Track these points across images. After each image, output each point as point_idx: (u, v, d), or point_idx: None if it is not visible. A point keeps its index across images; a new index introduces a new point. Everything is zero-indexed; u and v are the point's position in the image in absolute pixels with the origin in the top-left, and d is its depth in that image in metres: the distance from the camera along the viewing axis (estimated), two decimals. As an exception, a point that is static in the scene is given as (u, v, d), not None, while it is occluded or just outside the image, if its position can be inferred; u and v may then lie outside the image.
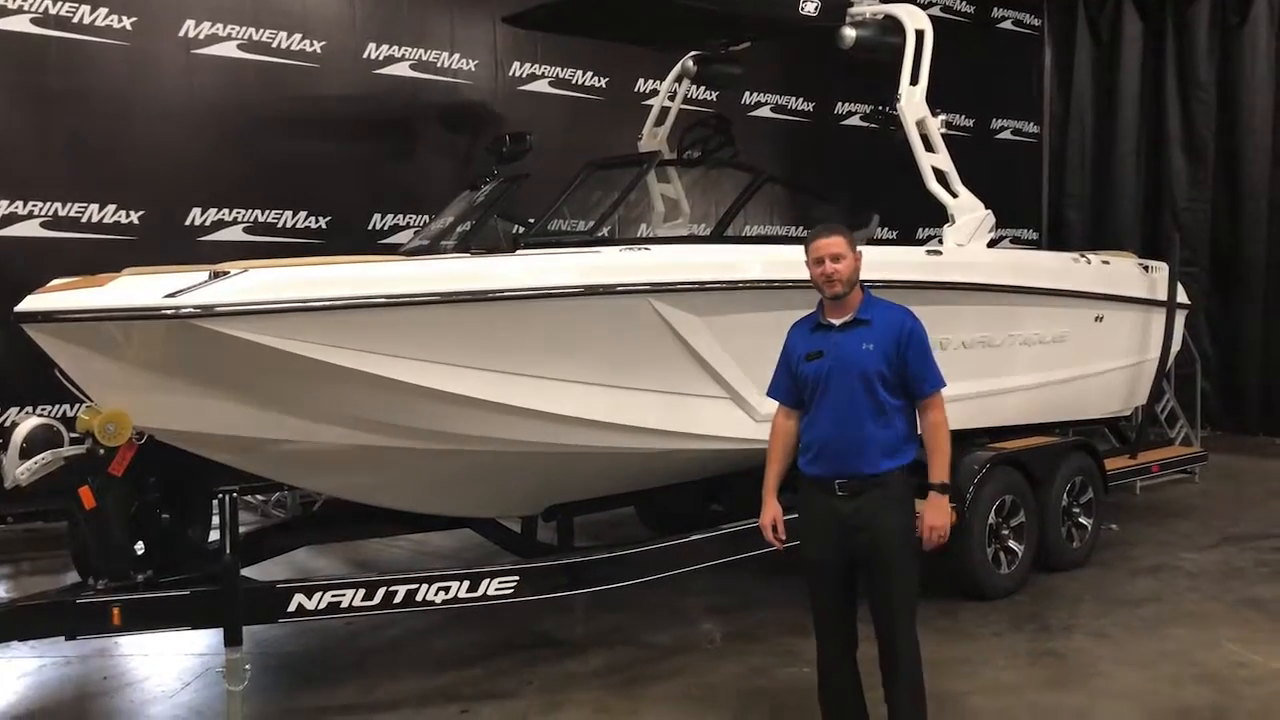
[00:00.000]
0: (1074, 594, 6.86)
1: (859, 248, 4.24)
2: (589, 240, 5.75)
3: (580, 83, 9.53)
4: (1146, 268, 8.66)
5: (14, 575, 7.79)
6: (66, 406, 6.56)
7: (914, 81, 6.94)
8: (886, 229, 11.04)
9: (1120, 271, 8.25)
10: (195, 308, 4.35)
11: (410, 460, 5.32)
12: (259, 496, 8.43)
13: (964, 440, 7.26)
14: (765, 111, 10.90)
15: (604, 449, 5.60)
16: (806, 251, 4.25)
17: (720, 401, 5.82)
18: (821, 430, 4.15)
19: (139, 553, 5.29)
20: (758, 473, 6.72)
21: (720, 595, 6.76)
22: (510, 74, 9.12)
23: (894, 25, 7.12)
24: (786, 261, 5.92)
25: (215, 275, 4.48)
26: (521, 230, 6.30)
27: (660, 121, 8.32)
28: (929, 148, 7.00)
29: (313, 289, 4.56)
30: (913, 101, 6.92)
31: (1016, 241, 13.27)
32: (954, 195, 7.06)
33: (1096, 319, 7.94)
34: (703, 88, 9.92)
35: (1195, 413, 11.13)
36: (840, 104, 11.52)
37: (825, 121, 11.29)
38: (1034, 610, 6.52)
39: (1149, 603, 6.67)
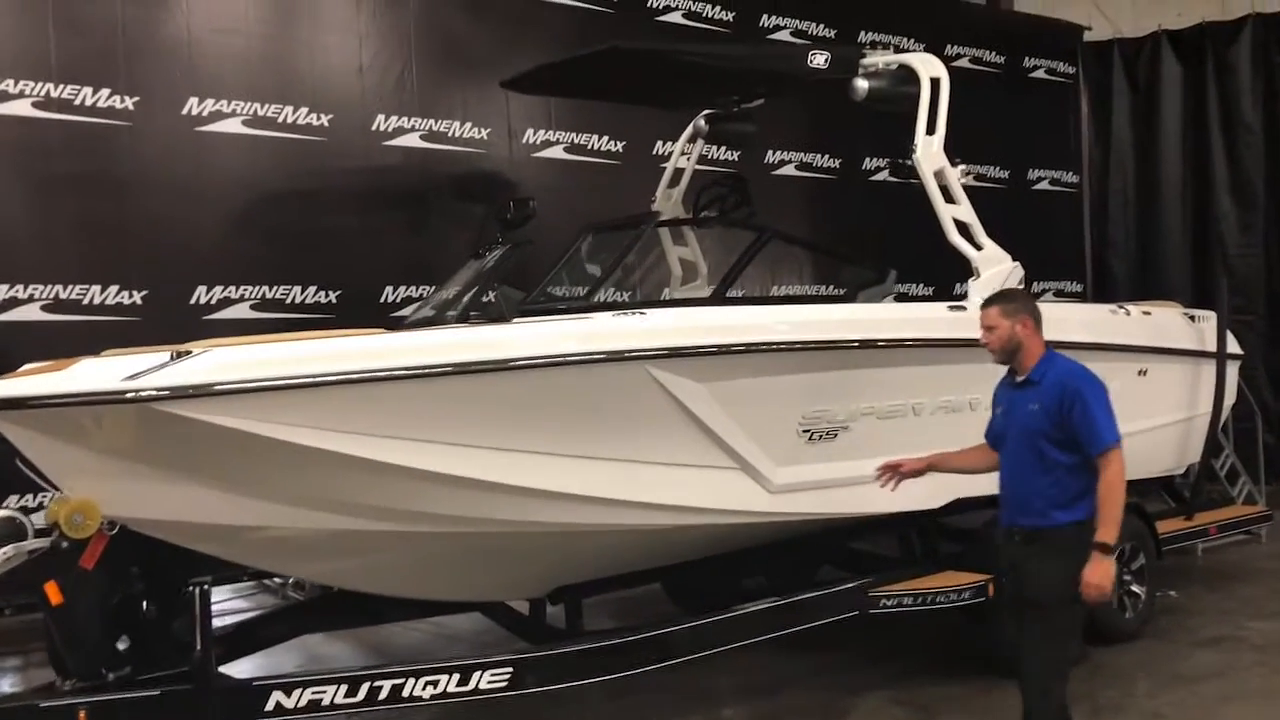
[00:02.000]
0: (1127, 669, 6.41)
1: (1020, 314, 4.59)
2: (585, 306, 5.49)
3: (596, 147, 9.36)
4: (1193, 317, 8.23)
5: (23, 668, 7.58)
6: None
7: (930, 131, 6.65)
8: (921, 285, 10.73)
9: (1164, 322, 7.83)
10: (155, 390, 4.13)
11: (401, 544, 5.05)
12: (276, 579, 8.19)
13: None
14: (789, 170, 10.65)
15: (606, 527, 5.28)
16: None
17: (729, 473, 5.49)
18: (1001, 481, 4.56)
19: (122, 648, 5.05)
20: (784, 546, 6.46)
21: (745, 674, 6.38)
22: (524, 141, 8.97)
23: (909, 75, 6.85)
24: (795, 322, 5.63)
25: (177, 355, 4.27)
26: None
27: (674, 183, 8.10)
28: (949, 199, 6.68)
29: (278, 368, 4.33)
30: (930, 152, 6.62)
31: (1060, 295, 12.83)
32: (978, 248, 6.72)
33: (1140, 373, 7.52)
34: (724, 148, 9.76)
35: (1258, 468, 10.57)
36: (868, 159, 11.24)
37: (853, 178, 11.01)
38: (1083, 688, 6.03)
39: (1210, 679, 6.19)
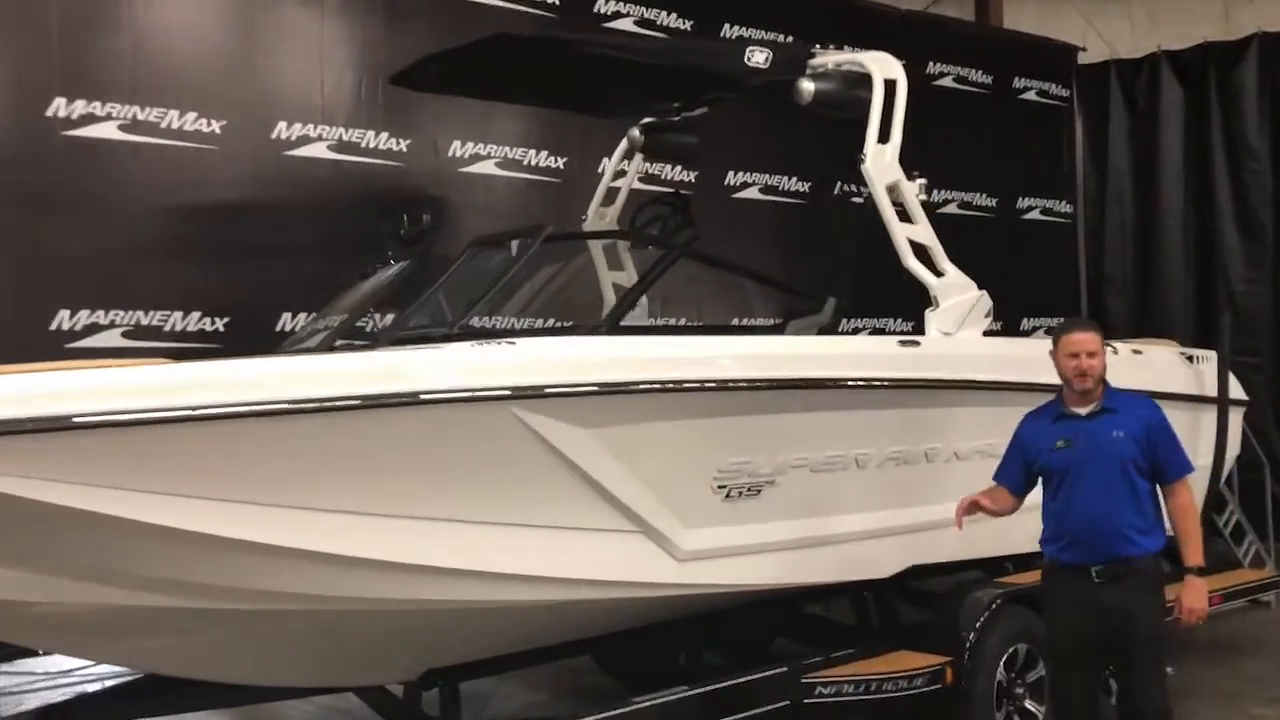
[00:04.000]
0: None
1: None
2: (449, 335, 4.58)
3: (534, 163, 8.50)
4: (1192, 358, 7.32)
5: None
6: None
7: (884, 139, 5.79)
8: (900, 320, 9.83)
9: (1156, 362, 6.92)
10: None
11: (216, 625, 4.12)
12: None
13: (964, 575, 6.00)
14: (752, 193, 9.78)
15: (473, 604, 4.35)
16: (1055, 345, 4.66)
17: (626, 537, 4.56)
18: (1075, 518, 4.40)
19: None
20: (729, 616, 5.51)
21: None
22: (450, 154, 8.10)
23: (863, 77, 5.99)
24: (705, 357, 4.72)
25: (-116, 390, 3.37)
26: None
27: (609, 201, 7.23)
28: (905, 218, 5.80)
29: (25, 406, 3.42)
30: (882, 162, 5.75)
31: (1052, 333, 11.91)
32: (938, 274, 5.84)
33: (1132, 420, 6.61)
34: (678, 167, 8.91)
35: (1266, 524, 9.58)
36: (842, 184, 10.36)
37: (823, 202, 10.11)
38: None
39: (1210, 780, 5.25)
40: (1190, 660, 7.18)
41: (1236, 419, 7.41)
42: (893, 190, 5.76)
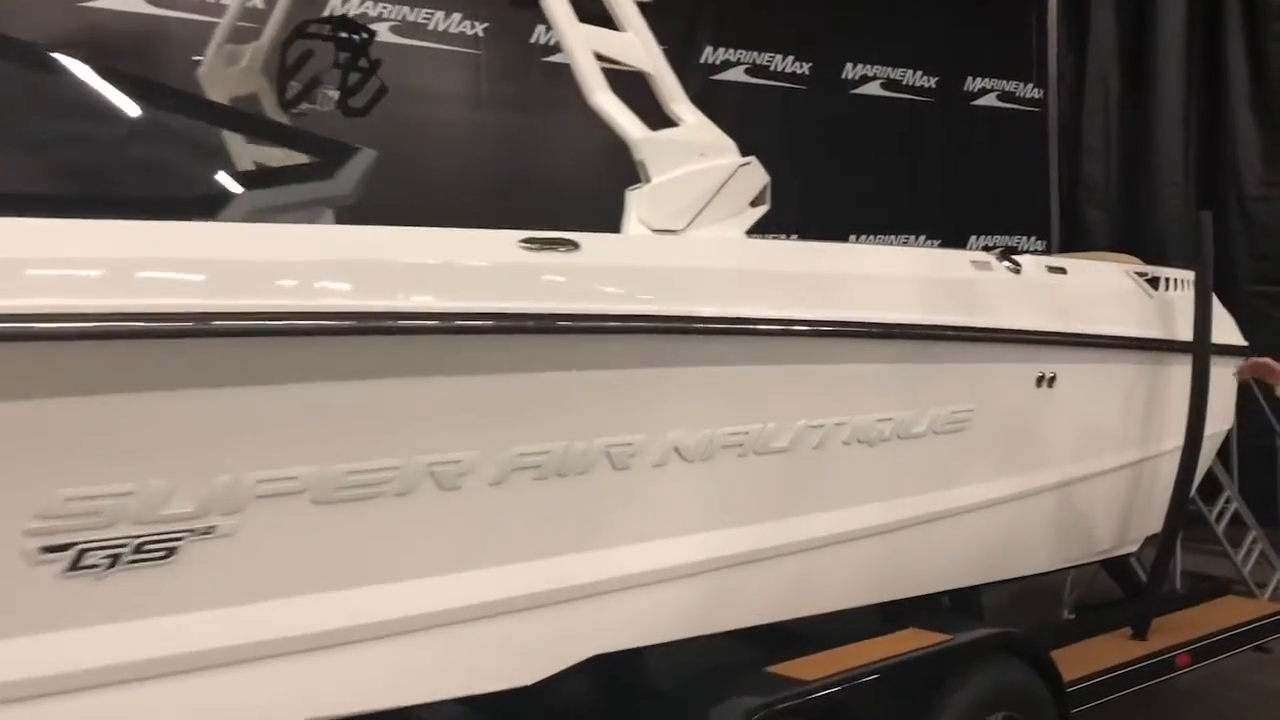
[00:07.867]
0: None
1: None
2: None
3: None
4: (1156, 281, 4.70)
5: None
6: None
7: None
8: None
9: (1087, 287, 4.33)
10: None
11: None
12: None
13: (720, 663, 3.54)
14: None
15: None
16: None
17: None
18: None
19: None
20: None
21: None
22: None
23: None
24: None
25: None
26: None
27: (238, 36, 4.66)
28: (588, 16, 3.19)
29: None
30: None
31: (1015, 254, 9.39)
32: (674, 123, 3.23)
33: (1039, 382, 4.06)
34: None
35: (1278, 511, 7.29)
36: (714, 49, 7.78)
37: (689, 67, 7.49)
38: None
39: None
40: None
41: (1225, 374, 4.81)
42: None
